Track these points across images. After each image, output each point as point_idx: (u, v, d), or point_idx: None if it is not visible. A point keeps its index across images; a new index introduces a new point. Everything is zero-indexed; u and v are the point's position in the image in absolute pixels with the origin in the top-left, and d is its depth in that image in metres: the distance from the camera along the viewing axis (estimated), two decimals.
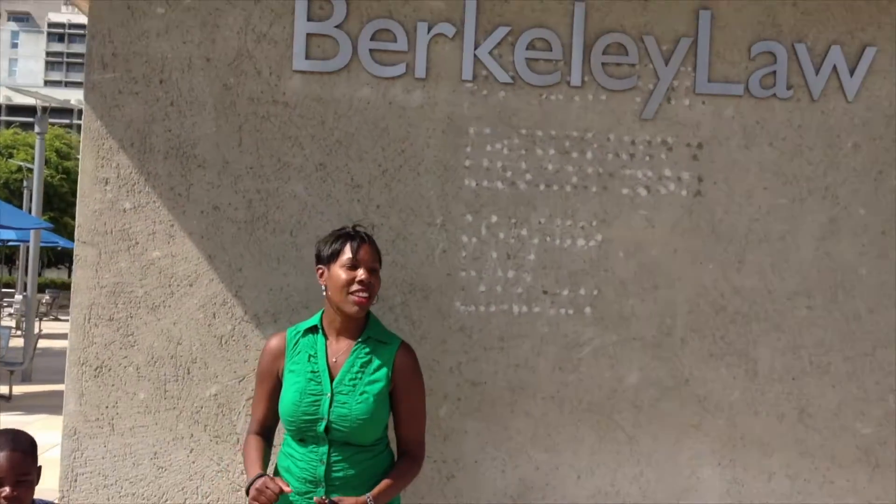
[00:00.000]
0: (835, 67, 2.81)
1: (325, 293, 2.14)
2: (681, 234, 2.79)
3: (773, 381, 2.80)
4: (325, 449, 2.06)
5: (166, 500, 2.64)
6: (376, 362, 2.12)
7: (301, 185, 2.71)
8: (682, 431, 2.78)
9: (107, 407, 2.64)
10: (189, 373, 2.67)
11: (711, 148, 2.80)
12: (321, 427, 2.04)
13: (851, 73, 2.81)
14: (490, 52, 2.75)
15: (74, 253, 2.68)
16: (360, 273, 2.07)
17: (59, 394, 2.76)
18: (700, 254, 2.79)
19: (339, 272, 2.08)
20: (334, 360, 2.11)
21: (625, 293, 2.78)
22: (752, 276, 2.80)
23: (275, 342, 2.21)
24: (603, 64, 2.77)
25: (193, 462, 2.65)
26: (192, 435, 2.66)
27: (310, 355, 2.12)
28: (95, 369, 2.64)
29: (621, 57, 2.77)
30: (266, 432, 2.24)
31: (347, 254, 2.09)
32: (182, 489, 2.64)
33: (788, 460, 2.80)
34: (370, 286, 2.09)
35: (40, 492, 2.29)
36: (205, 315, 2.68)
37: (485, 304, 2.75)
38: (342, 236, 2.15)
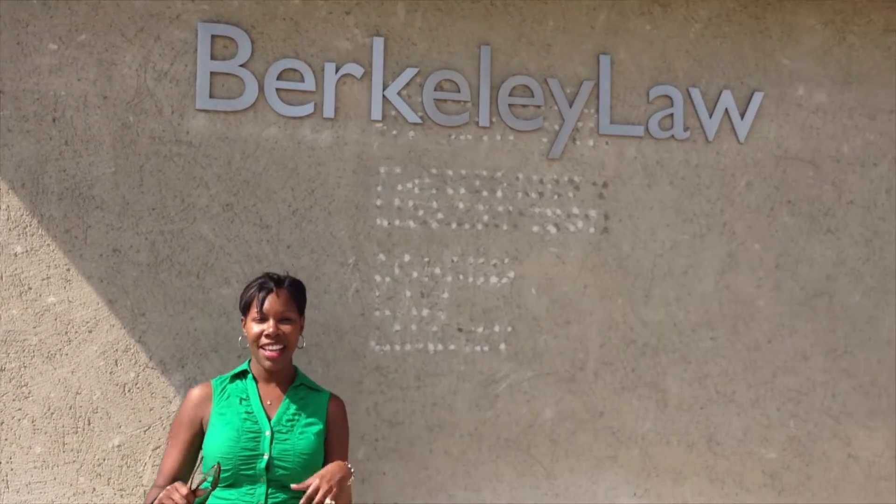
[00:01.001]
0: (726, 111, 3.06)
1: (248, 345, 2.19)
2: (590, 269, 2.95)
3: (683, 411, 2.97)
4: (262, 489, 2.04)
5: None
6: (311, 407, 2.17)
7: (207, 225, 2.72)
8: (598, 463, 2.91)
9: (0, 463, 2.55)
10: (90, 423, 2.60)
11: (616, 186, 2.99)
12: (262, 464, 2.03)
13: (742, 115, 3.07)
14: (399, 93, 2.86)
15: None
16: (267, 326, 2.10)
17: None
18: (609, 289, 2.96)
19: (251, 325, 2.13)
20: (268, 402, 2.13)
21: (538, 329, 2.90)
22: (658, 310, 2.98)
23: (198, 391, 2.20)
24: (510, 105, 2.93)
25: None
26: (94, 489, 2.58)
27: (241, 398, 2.13)
28: None
29: (527, 98, 2.94)
30: None
31: (255, 307, 2.13)
32: None
33: (700, 487, 2.96)
34: (279, 338, 2.11)
35: None
36: (106, 362, 2.62)
37: (400, 344, 2.81)
38: (252, 286, 2.18)
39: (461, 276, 2.87)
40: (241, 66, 2.75)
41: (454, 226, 2.88)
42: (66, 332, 2.61)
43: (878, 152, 3.15)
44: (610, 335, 2.94)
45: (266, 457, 2.04)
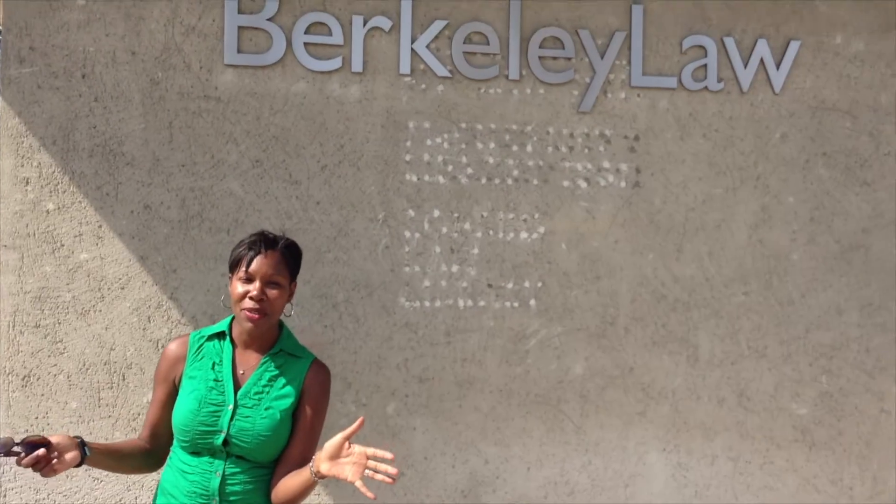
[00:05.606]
0: (762, 60, 3.08)
1: (230, 304, 2.10)
2: (621, 224, 3.01)
3: (714, 367, 3.04)
4: (220, 462, 2.01)
5: None
6: (286, 377, 2.07)
7: (237, 182, 2.79)
8: (627, 419, 2.99)
9: (36, 417, 2.66)
10: (124, 379, 2.71)
11: (648, 140, 3.03)
12: (219, 440, 1.98)
13: (777, 65, 3.09)
14: (427, 46, 2.90)
15: None
16: (252, 288, 2.00)
17: None
18: (640, 244, 3.01)
19: (236, 284, 2.03)
20: (242, 371, 2.06)
21: (568, 284, 2.97)
22: (690, 265, 3.04)
23: (174, 346, 2.11)
24: (540, 57, 2.96)
25: None
26: None
27: (214, 363, 2.06)
28: (23, 378, 2.66)
29: (558, 50, 2.97)
30: (154, 440, 2.12)
31: (243, 266, 2.02)
32: (119, 500, 2.68)
33: (730, 443, 3.04)
34: (263, 302, 2.01)
35: None
36: (139, 319, 2.73)
37: (430, 300, 2.89)
38: (243, 243, 2.08)
39: (491, 232, 2.93)
40: (269, 20, 2.81)
41: (484, 181, 2.93)
42: (100, 289, 2.71)
43: None
44: (641, 290, 3.01)
45: (223, 434, 1.98)
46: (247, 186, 2.80)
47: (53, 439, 1.85)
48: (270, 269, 2.02)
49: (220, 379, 2.03)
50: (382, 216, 2.88)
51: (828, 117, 3.13)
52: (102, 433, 2.69)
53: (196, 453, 2.02)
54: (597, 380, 2.99)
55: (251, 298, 2.00)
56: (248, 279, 2.01)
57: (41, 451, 1.81)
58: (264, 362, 2.07)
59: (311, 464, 1.92)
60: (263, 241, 2.06)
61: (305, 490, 1.96)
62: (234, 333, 2.10)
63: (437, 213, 2.91)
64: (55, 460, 1.83)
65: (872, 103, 3.15)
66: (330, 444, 1.89)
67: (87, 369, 2.70)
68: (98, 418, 2.69)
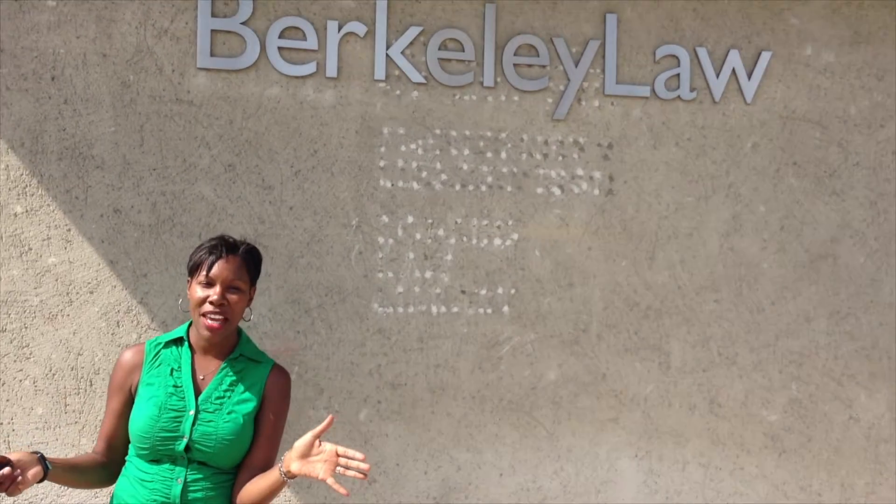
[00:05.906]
0: (734, 71, 3.11)
1: (189, 308, 2.08)
2: (594, 232, 3.02)
3: (685, 374, 3.06)
4: (181, 468, 1.98)
5: None
6: (247, 382, 2.06)
7: (209, 186, 2.77)
8: (600, 426, 3.00)
9: (1, 423, 2.61)
10: (91, 385, 2.67)
11: (621, 148, 3.05)
12: (181, 446, 1.96)
13: (749, 76, 3.12)
14: (402, 52, 2.90)
15: None
16: (213, 293, 1.99)
17: None
18: (613, 251, 3.03)
19: (196, 289, 2.01)
20: (202, 377, 2.04)
21: (542, 291, 2.97)
22: (662, 272, 3.05)
23: (129, 355, 2.08)
24: (515, 65, 2.97)
25: None
26: None
27: (172, 369, 2.03)
28: None
29: (532, 58, 2.98)
30: (110, 452, 2.08)
31: (203, 270, 2.01)
32: None
33: (701, 449, 3.06)
34: (224, 307, 2.00)
35: None
36: (107, 324, 2.69)
37: (403, 306, 2.88)
38: (203, 247, 2.06)
39: (464, 238, 2.93)
40: (243, 23, 2.79)
41: (458, 187, 2.93)
42: (68, 293, 2.67)
43: (885, 113, 3.21)
44: (613, 298, 3.02)
45: (185, 439, 1.96)
46: (219, 191, 2.77)
47: (13, 457, 1.82)
48: (231, 274, 2.02)
49: (180, 385, 2.01)
50: (356, 222, 2.86)
51: (798, 127, 3.16)
52: (69, 440, 2.65)
53: (156, 461, 1.99)
54: (569, 386, 2.99)
55: (212, 303, 1.99)
56: (209, 283, 2.00)
57: (6, 469, 1.78)
58: (224, 367, 2.06)
59: (280, 464, 1.92)
60: (224, 246, 2.05)
61: (274, 491, 1.95)
62: (193, 339, 2.08)
63: (410, 219, 2.90)
64: (19, 478, 1.80)
65: (842, 114, 3.19)
66: (300, 443, 1.89)
67: (54, 375, 2.66)
68: (64, 424, 2.65)
